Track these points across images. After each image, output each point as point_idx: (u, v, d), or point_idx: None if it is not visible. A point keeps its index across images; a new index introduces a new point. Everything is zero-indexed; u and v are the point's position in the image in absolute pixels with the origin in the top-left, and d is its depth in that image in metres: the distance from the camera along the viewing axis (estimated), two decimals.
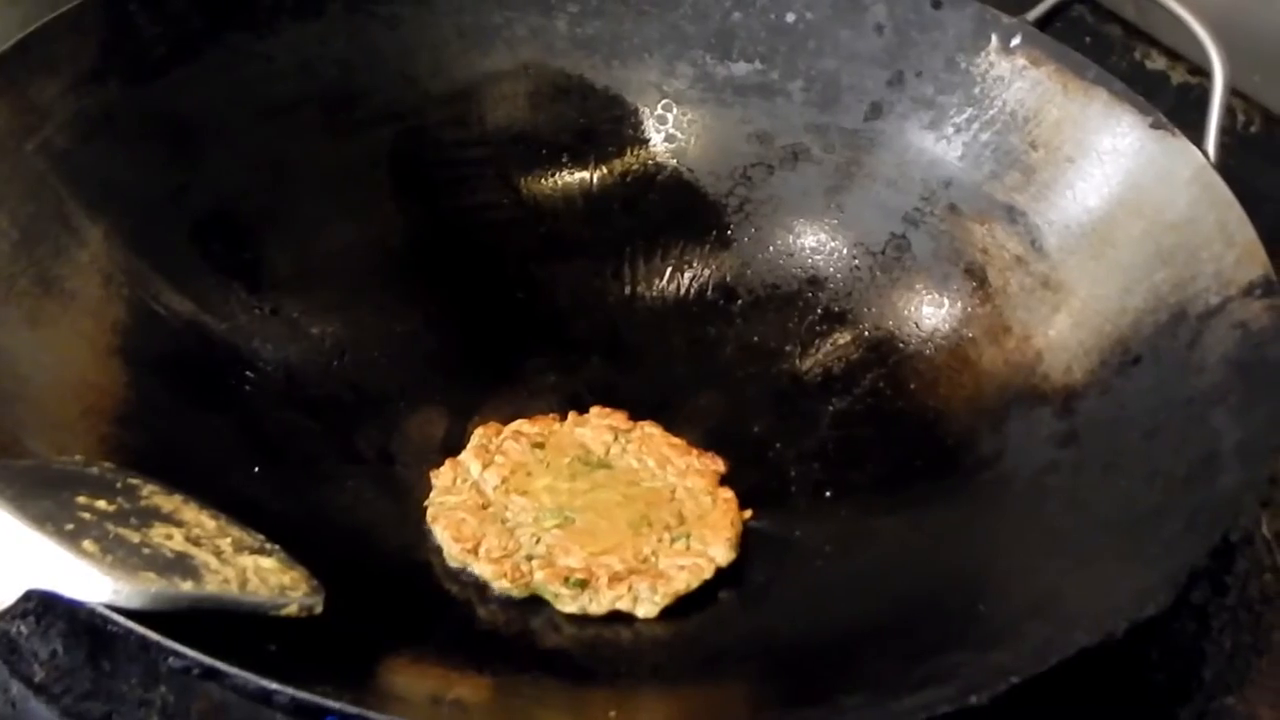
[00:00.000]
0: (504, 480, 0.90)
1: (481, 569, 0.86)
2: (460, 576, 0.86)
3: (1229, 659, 0.86)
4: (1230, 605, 0.88)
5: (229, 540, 0.75)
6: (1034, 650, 0.73)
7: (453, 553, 0.87)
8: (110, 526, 0.72)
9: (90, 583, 0.68)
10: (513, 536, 0.87)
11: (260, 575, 0.74)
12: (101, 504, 0.73)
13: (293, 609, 0.74)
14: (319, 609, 0.75)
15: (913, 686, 0.74)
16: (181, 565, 0.71)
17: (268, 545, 0.76)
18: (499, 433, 0.93)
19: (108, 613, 0.69)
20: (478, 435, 0.92)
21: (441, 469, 0.91)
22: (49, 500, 0.72)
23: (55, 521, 0.70)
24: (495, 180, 1.03)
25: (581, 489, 0.90)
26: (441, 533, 0.88)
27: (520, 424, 0.93)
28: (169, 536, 0.73)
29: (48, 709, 0.79)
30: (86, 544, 0.69)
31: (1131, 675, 0.84)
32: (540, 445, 0.92)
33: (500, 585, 0.85)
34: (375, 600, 0.81)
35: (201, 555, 0.73)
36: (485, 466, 0.91)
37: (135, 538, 0.72)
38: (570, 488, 0.90)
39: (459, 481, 0.90)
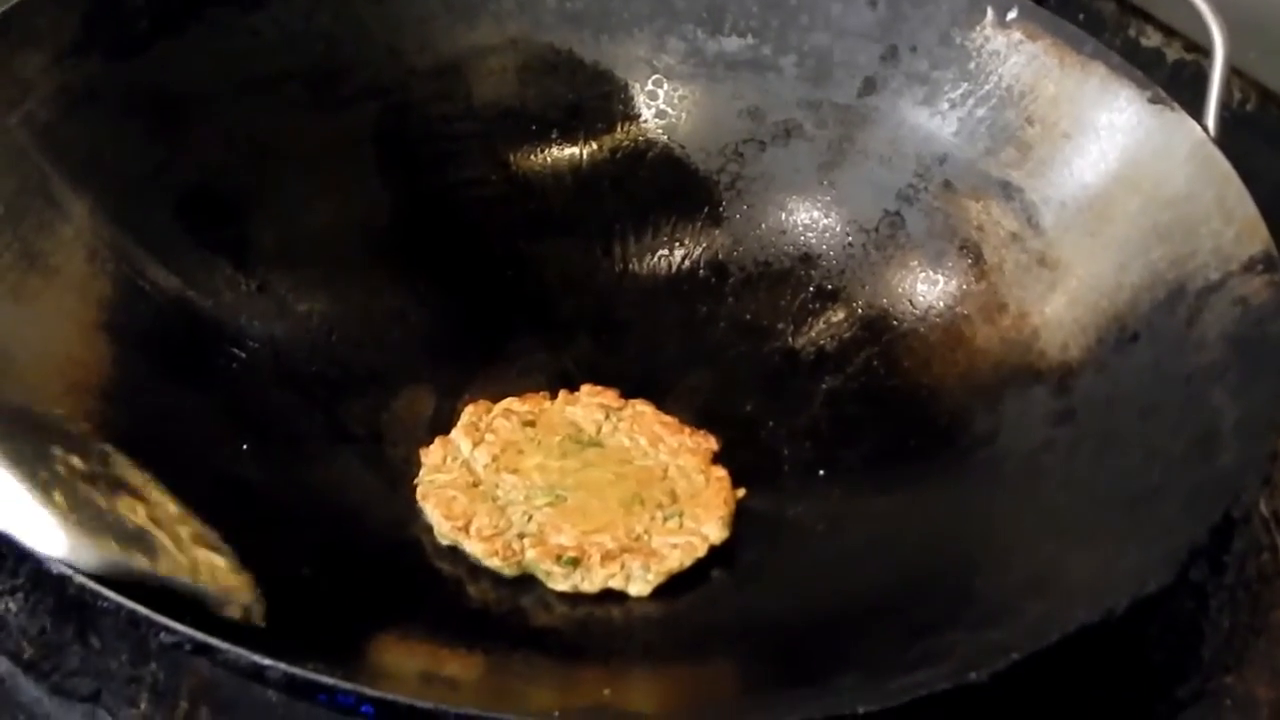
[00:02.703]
0: (494, 458, 0.89)
1: (472, 547, 0.85)
2: (451, 555, 0.85)
3: (1227, 638, 0.85)
4: (1229, 584, 0.87)
5: (188, 530, 0.74)
6: (1032, 628, 0.73)
7: (443, 530, 0.86)
8: (81, 486, 0.71)
9: (51, 536, 0.68)
10: (504, 515, 0.86)
11: (210, 571, 0.72)
12: (76, 461, 0.72)
13: (235, 611, 0.72)
14: (259, 621, 0.73)
15: (908, 666, 0.73)
16: (141, 540, 0.70)
17: (222, 545, 0.75)
18: (489, 411, 0.92)
19: (65, 570, 0.68)
20: (468, 413, 0.92)
21: (431, 447, 0.90)
22: (29, 445, 0.71)
23: (31, 466, 0.69)
24: (483, 156, 1.02)
25: (573, 467, 0.89)
26: (432, 511, 0.87)
27: (510, 402, 0.92)
28: (133, 510, 0.72)
29: (36, 686, 0.78)
30: (57, 496, 0.69)
31: (1129, 654, 0.84)
32: (531, 423, 0.91)
33: (491, 563, 0.84)
34: (365, 578, 0.80)
35: (160, 536, 0.72)
36: (475, 445, 0.90)
37: (102, 502, 0.71)
38: (561, 466, 0.89)
39: (449, 460, 0.89)
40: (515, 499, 0.87)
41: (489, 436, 0.90)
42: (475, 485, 0.88)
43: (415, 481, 0.88)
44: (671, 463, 0.90)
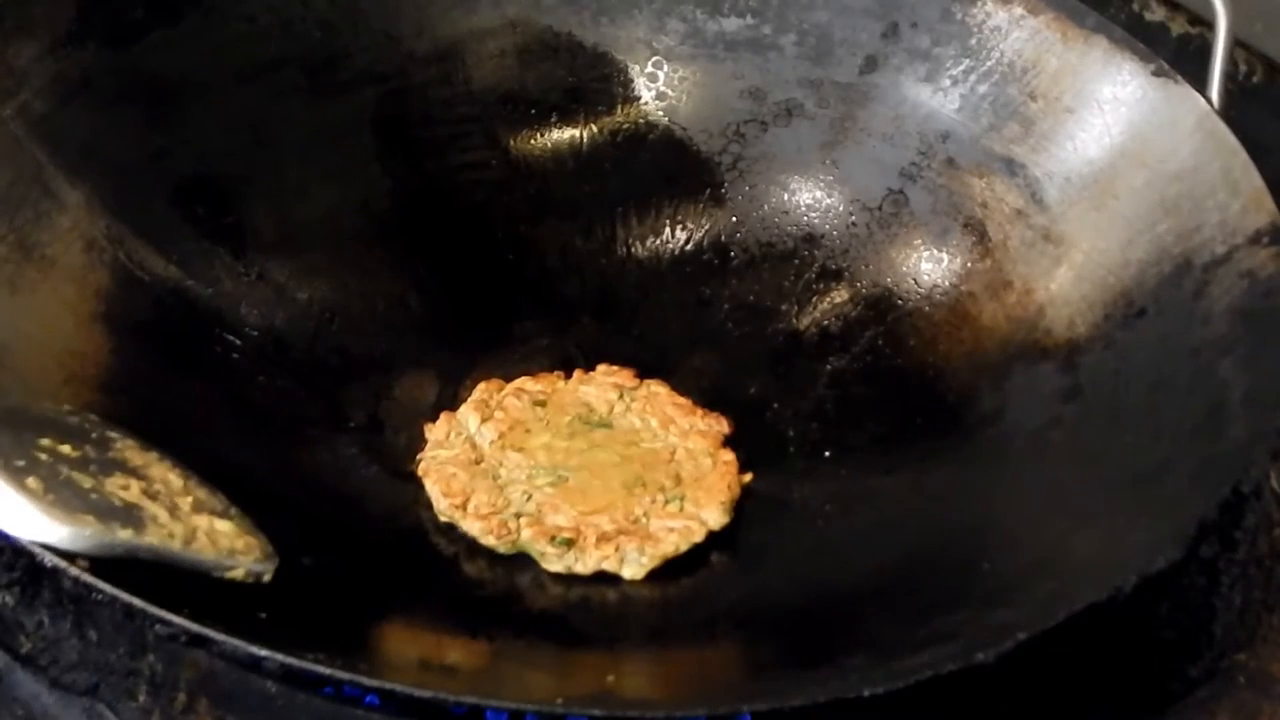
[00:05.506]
0: (501, 436, 0.89)
1: (469, 525, 0.85)
2: (449, 533, 0.85)
3: (1239, 615, 0.85)
4: (1240, 560, 0.87)
5: (190, 500, 0.74)
6: (1040, 607, 0.72)
7: (441, 507, 0.86)
8: (64, 469, 0.72)
9: (24, 518, 0.68)
10: (502, 494, 0.86)
11: (211, 536, 0.73)
12: (65, 449, 0.73)
13: (239, 573, 0.73)
14: (267, 577, 0.74)
15: (915, 646, 0.73)
16: (126, 514, 0.71)
17: (232, 510, 0.76)
18: (500, 389, 0.92)
19: (42, 553, 0.68)
20: (479, 390, 0.91)
21: (436, 423, 0.90)
22: (6, 437, 0.72)
23: (5, 456, 0.70)
24: (483, 140, 1.02)
25: (579, 448, 0.89)
26: (432, 486, 0.86)
27: (523, 381, 0.92)
28: (125, 487, 0.73)
29: (35, 680, 0.78)
30: (30, 481, 0.70)
31: (1140, 632, 0.83)
32: (541, 403, 0.91)
33: (487, 541, 0.84)
34: (364, 565, 0.80)
35: (152, 509, 0.72)
36: (483, 421, 0.89)
37: (87, 483, 0.72)
38: (567, 446, 0.89)
39: (452, 435, 0.89)
40: (517, 478, 0.87)
41: (498, 414, 0.90)
42: (477, 462, 0.88)
43: (418, 456, 0.88)
44: (680, 445, 0.90)
